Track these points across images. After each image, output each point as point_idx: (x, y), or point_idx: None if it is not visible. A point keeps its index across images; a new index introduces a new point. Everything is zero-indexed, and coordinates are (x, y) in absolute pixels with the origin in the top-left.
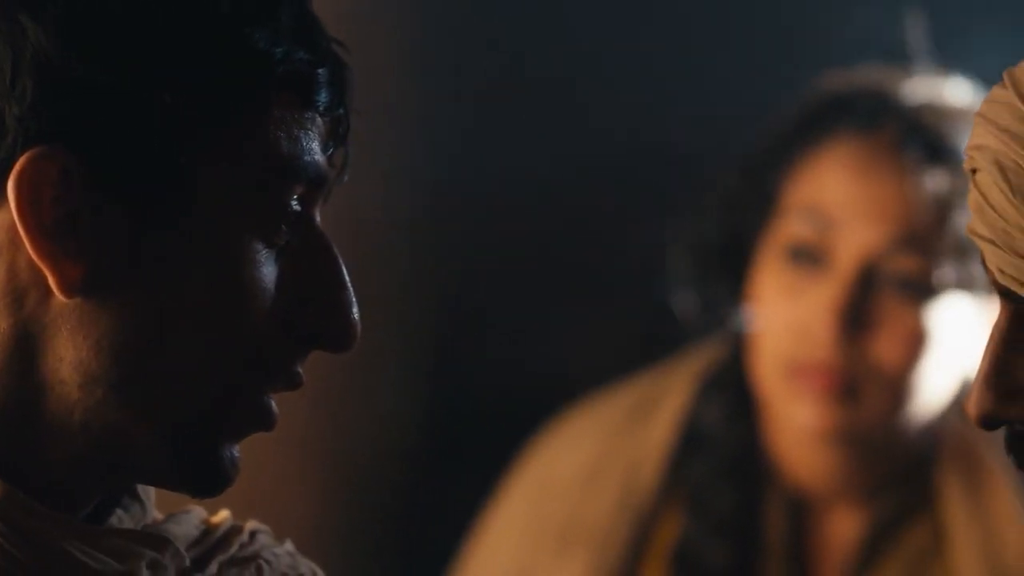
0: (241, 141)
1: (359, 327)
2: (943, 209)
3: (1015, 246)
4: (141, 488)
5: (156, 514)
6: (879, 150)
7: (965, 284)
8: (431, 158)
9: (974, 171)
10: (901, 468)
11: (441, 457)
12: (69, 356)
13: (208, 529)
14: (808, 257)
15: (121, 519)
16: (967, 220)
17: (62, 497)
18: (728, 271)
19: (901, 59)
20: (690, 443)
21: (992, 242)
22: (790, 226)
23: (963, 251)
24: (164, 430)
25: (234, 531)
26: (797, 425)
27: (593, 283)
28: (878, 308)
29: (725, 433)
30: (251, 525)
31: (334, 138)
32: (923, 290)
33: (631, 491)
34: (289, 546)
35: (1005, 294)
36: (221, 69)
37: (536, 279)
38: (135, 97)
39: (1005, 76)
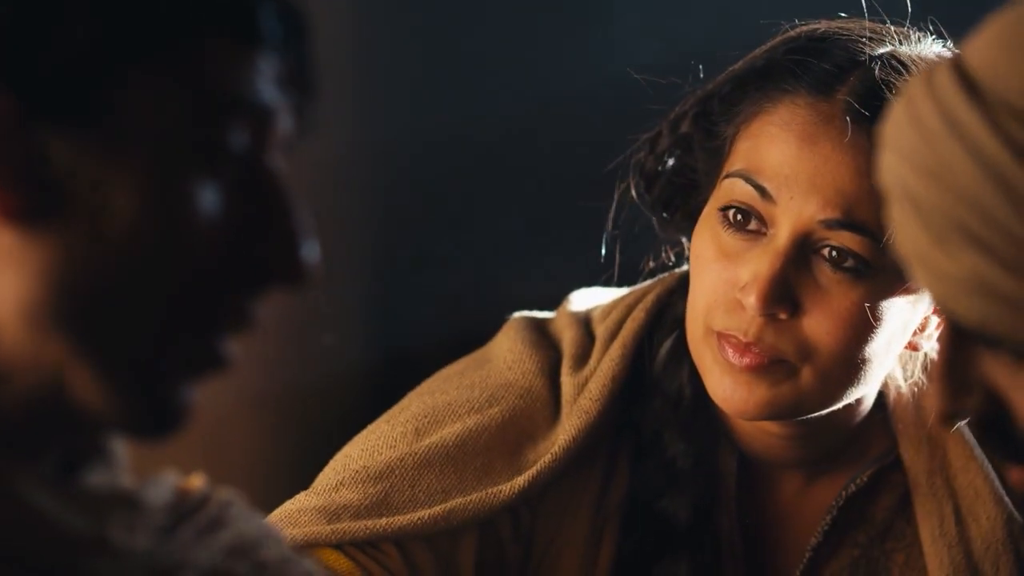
0: (175, 72)
1: (309, 263)
2: None
3: (933, 269)
4: (111, 452)
5: (128, 479)
6: (828, 118)
7: None
8: (376, 112)
9: (887, 197)
10: (854, 440)
11: (388, 393)
12: (11, 293)
13: (181, 495)
14: (744, 222)
15: (89, 479)
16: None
17: (18, 448)
18: (679, 207)
19: (878, 13)
20: (639, 384)
21: (913, 264)
22: (732, 185)
23: None
24: (107, 369)
25: (207, 498)
26: (714, 395)
27: (546, 217)
28: (812, 283)
29: (670, 379)
30: (224, 493)
31: (292, 79)
32: (862, 267)
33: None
34: (260, 518)
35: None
36: None
37: (485, 212)
38: (62, 24)
39: (903, 94)
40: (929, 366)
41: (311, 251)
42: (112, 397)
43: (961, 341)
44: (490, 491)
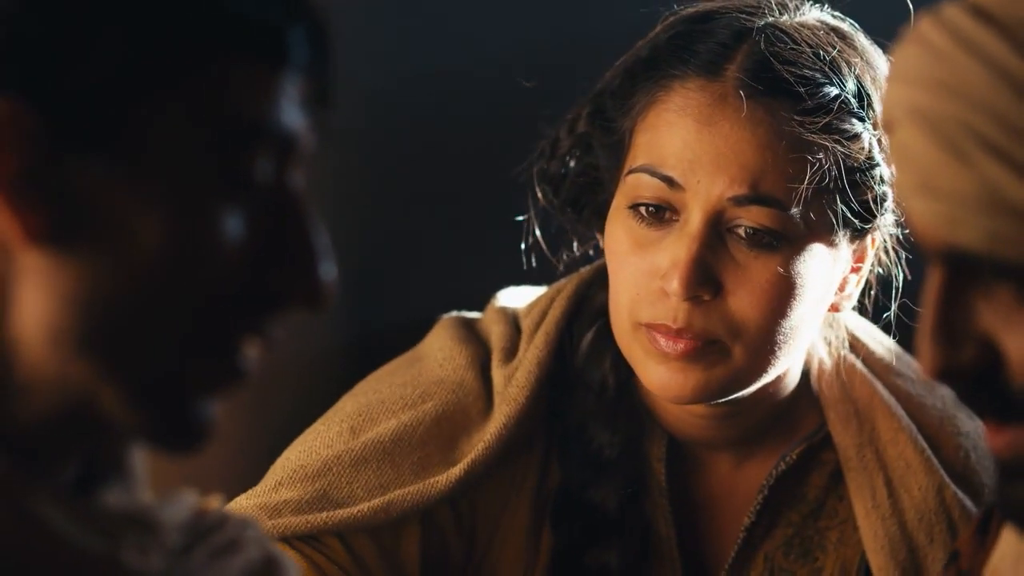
0: (204, 98)
1: (328, 286)
2: (795, 149)
3: (942, 189)
4: (130, 468)
5: (146, 495)
6: (721, 97)
7: (822, 228)
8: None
9: (891, 129)
10: (783, 417)
11: (363, 376)
12: (35, 312)
13: (198, 515)
14: (657, 214)
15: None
16: (828, 163)
17: (37, 464)
18: (586, 205)
19: None
20: (563, 376)
21: (917, 193)
22: (638, 180)
23: (820, 193)
24: (130, 386)
25: (225, 520)
26: (650, 385)
27: (521, 206)
28: (729, 263)
29: (593, 370)
30: (242, 515)
31: (315, 99)
32: (775, 239)
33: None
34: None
35: (938, 254)
36: (181, 22)
37: (460, 196)
38: (91, 47)
39: (910, 31)
40: (850, 344)
41: (328, 273)
42: (137, 414)
43: (955, 286)
44: (428, 482)
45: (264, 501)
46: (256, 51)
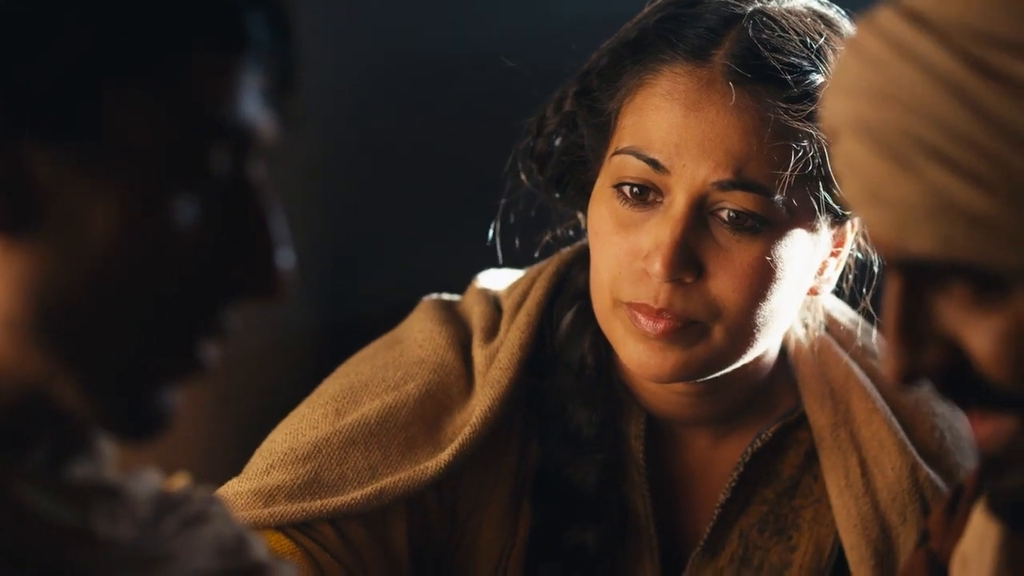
0: (162, 90)
1: (284, 275)
2: (780, 136)
3: (890, 198)
4: (97, 446)
5: (112, 472)
6: (709, 83)
7: (803, 213)
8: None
9: (834, 138)
10: (760, 397)
11: (332, 362)
12: None
13: (164, 490)
14: (641, 195)
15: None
16: (817, 154)
17: (5, 444)
18: (570, 183)
19: None
20: (543, 356)
21: (866, 202)
22: (624, 162)
23: (803, 180)
24: (86, 376)
25: (190, 495)
26: (629, 364)
27: (494, 191)
28: (712, 246)
29: (572, 350)
30: (205, 491)
31: (278, 86)
32: (758, 223)
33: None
34: (237, 519)
35: (893, 261)
36: (140, 12)
37: (430, 184)
38: (51, 38)
39: (847, 43)
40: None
41: (286, 262)
42: (95, 403)
43: (913, 290)
44: (417, 469)
45: (258, 486)
46: (216, 39)
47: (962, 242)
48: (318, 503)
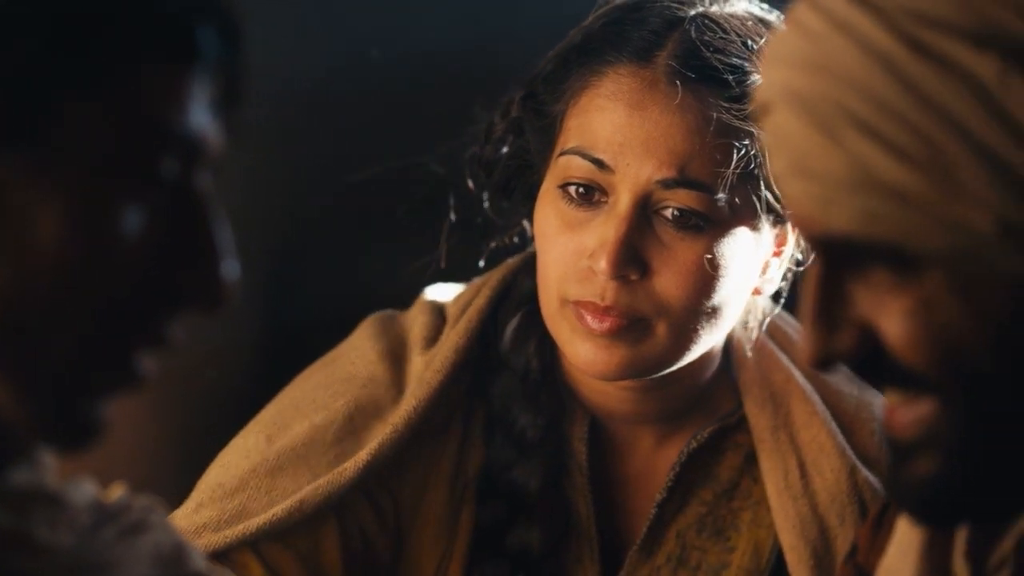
0: (110, 99)
1: (228, 286)
2: (722, 135)
3: (815, 171)
4: (38, 455)
5: (52, 480)
6: (652, 83)
7: (746, 212)
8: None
9: (765, 112)
10: (703, 398)
11: (278, 374)
12: None
13: (103, 499)
14: (586, 195)
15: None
16: (759, 153)
17: None
18: (515, 188)
19: None
20: (487, 361)
21: (793, 175)
22: (569, 162)
23: (745, 179)
24: (25, 385)
25: (129, 504)
26: (576, 362)
27: (439, 201)
28: (656, 244)
29: (517, 354)
30: (145, 500)
31: (226, 98)
32: (701, 222)
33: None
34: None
35: (816, 241)
36: (90, 21)
37: (380, 194)
38: None
39: (785, 15)
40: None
41: (230, 273)
42: (30, 411)
43: (833, 275)
44: (336, 471)
45: (185, 525)
46: (166, 50)
47: (884, 219)
48: (240, 527)
